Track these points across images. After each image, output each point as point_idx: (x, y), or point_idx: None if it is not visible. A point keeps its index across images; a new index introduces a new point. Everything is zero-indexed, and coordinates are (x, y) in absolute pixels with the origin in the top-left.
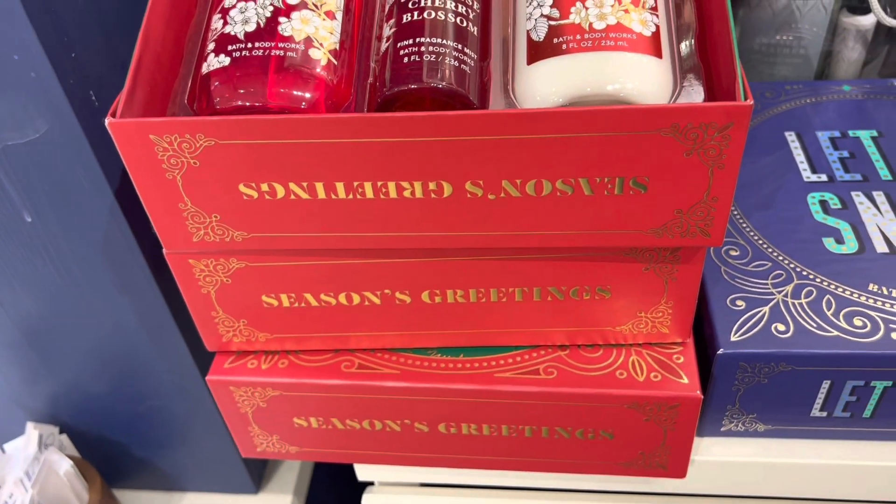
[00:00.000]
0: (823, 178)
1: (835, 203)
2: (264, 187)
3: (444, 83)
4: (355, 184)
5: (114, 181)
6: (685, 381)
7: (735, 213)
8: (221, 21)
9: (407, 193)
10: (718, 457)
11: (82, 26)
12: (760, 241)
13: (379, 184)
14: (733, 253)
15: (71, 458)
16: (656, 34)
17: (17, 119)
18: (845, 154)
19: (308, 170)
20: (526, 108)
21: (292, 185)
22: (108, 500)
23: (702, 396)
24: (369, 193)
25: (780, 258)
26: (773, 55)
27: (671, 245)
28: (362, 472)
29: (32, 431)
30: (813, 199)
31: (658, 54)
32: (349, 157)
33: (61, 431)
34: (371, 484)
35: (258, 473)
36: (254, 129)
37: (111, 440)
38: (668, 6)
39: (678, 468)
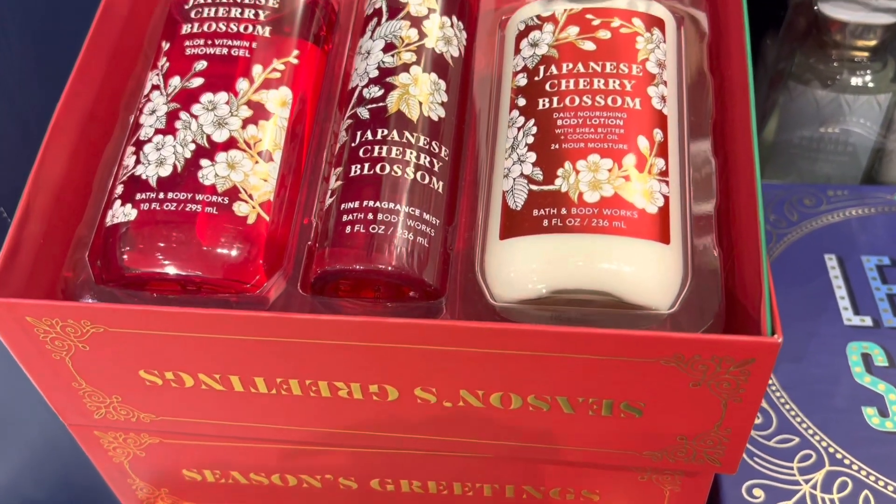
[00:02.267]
0: (868, 322)
1: (881, 359)
2: (169, 375)
3: (392, 266)
4: (278, 380)
5: None
6: None
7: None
8: (134, 157)
9: (343, 394)
10: None
11: None
12: (788, 407)
13: (307, 382)
14: (756, 421)
15: None
16: (664, 210)
17: None
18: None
19: (218, 363)
20: (487, 324)
21: (202, 376)
22: None
23: None
24: (296, 390)
25: (811, 432)
26: (816, 150)
27: (672, 468)
28: None
29: None
30: (854, 352)
31: (665, 238)
32: (266, 355)
33: None
34: None
35: None
36: (148, 321)
37: None
38: (685, 165)
39: None
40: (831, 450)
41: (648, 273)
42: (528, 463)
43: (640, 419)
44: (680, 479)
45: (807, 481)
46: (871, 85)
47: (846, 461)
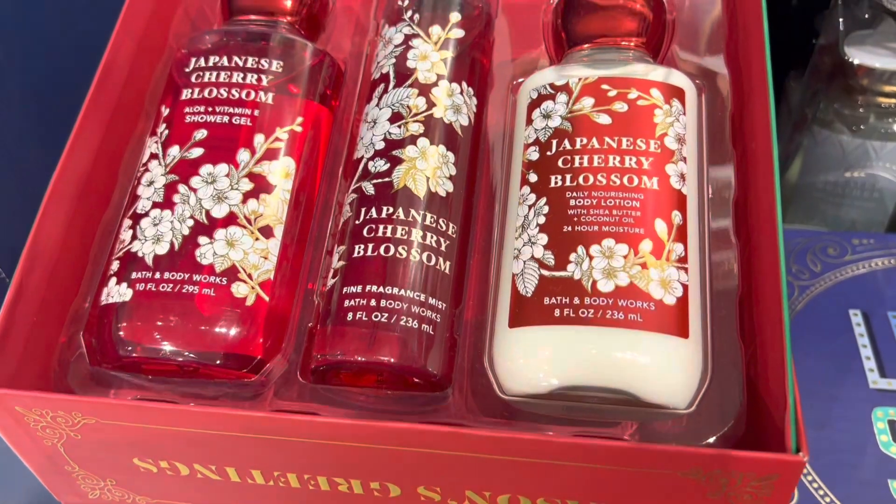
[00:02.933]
0: (895, 385)
1: None
2: (164, 464)
3: (395, 357)
4: (276, 473)
5: None
6: None
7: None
8: (130, 231)
9: (343, 489)
10: None
11: None
12: (811, 479)
13: (306, 476)
14: None
15: None
16: (682, 301)
17: None
18: None
19: (212, 456)
20: (494, 432)
21: (198, 466)
22: None
23: None
24: (294, 483)
25: None
26: (841, 195)
27: None
28: None
29: None
30: (880, 419)
31: (683, 332)
32: (264, 450)
33: None
34: None
35: None
36: (140, 415)
37: None
38: (705, 248)
39: None
40: None
41: (666, 370)
42: None
43: None
44: None
45: None
46: None
47: None
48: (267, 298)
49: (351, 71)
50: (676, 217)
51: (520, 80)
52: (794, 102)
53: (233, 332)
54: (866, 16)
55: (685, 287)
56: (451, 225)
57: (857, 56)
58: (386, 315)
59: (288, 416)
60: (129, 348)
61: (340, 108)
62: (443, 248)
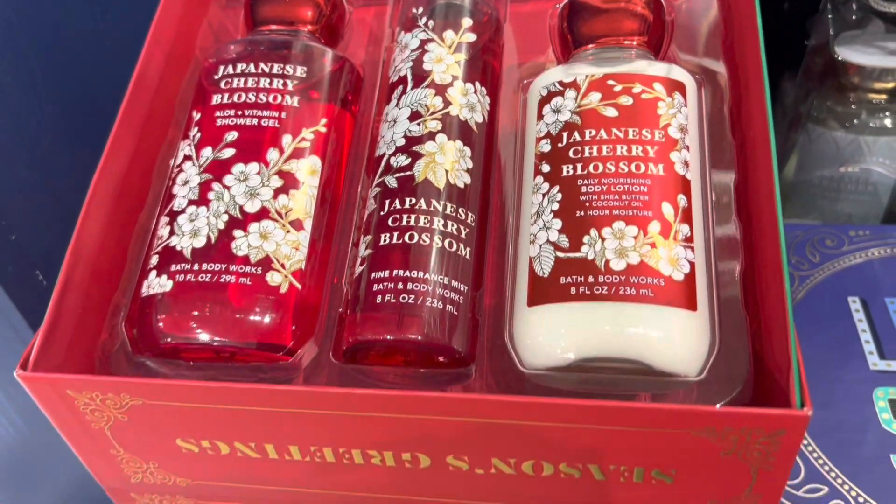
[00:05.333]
0: (894, 367)
1: None
2: (205, 444)
3: (422, 336)
4: (312, 448)
5: None
6: None
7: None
8: (168, 228)
9: (375, 461)
10: None
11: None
12: (816, 455)
13: (341, 450)
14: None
15: None
16: (690, 276)
17: None
18: None
19: (253, 433)
20: (518, 398)
21: (238, 444)
22: None
23: None
24: (329, 458)
25: (840, 481)
26: (836, 190)
27: None
28: None
29: None
30: (881, 398)
31: (691, 305)
32: (301, 425)
33: None
34: None
35: None
36: (184, 394)
37: None
38: (709, 231)
39: None
40: (861, 499)
41: (676, 341)
42: None
43: (671, 486)
44: None
45: None
46: (889, 126)
47: None
48: (299, 286)
49: (368, 77)
50: (682, 200)
51: (528, 80)
52: (789, 102)
53: (267, 318)
54: (854, 17)
55: (692, 264)
56: (469, 214)
57: (847, 55)
58: (412, 297)
59: (325, 389)
60: (170, 335)
61: (360, 112)
62: (463, 235)
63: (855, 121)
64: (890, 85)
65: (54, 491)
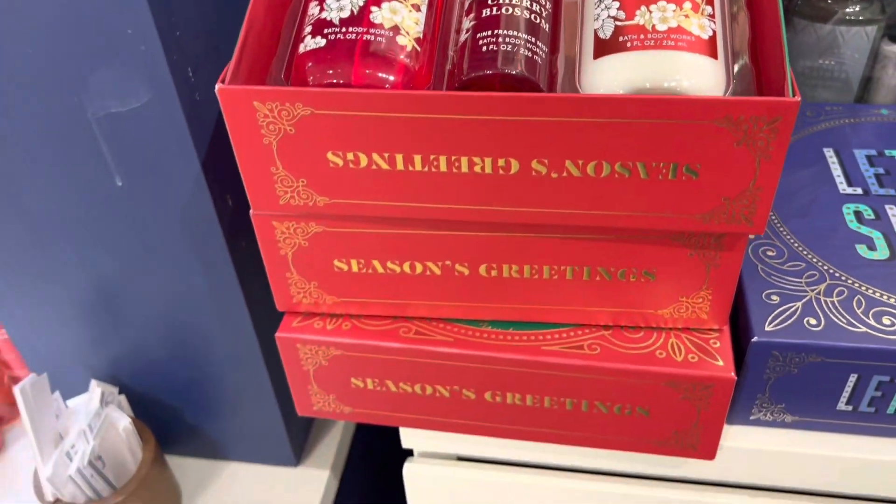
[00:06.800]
0: (859, 191)
1: (868, 214)
2: (349, 156)
3: (517, 70)
4: (431, 157)
5: (201, 153)
6: (721, 363)
7: (773, 218)
8: (318, 7)
9: (477, 168)
10: (745, 444)
11: (186, 10)
12: (796, 245)
13: (453, 158)
14: (770, 253)
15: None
16: (713, 38)
17: (123, 89)
18: (881, 171)
19: (390, 141)
20: (591, 94)
21: (375, 156)
22: (160, 460)
23: (735, 378)
24: (443, 167)
25: (815, 260)
26: (815, 78)
27: (717, 231)
28: (407, 438)
29: (95, 388)
30: (848, 210)
31: (714, 55)
32: (428, 132)
33: (120, 392)
34: (410, 454)
35: (299, 447)
36: (348, 102)
37: (165, 404)
38: (725, 15)
39: (708, 449)
40: (831, 270)
41: (704, 77)
42: (603, 244)
43: (697, 181)
44: (720, 255)
45: (812, 290)
46: (860, 17)
47: (843, 278)
48: (419, 49)
49: None
50: None
51: None
52: None
53: (396, 65)
54: None
55: (714, 31)
56: (547, 1)
57: None
58: (510, 45)
59: (451, 93)
60: (322, 78)
61: None
62: (543, 13)
63: (834, 12)
64: None
65: (150, 307)
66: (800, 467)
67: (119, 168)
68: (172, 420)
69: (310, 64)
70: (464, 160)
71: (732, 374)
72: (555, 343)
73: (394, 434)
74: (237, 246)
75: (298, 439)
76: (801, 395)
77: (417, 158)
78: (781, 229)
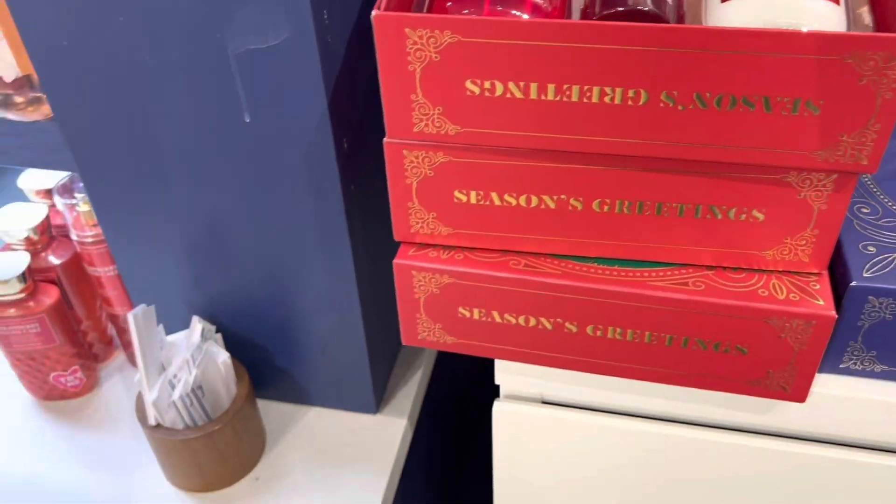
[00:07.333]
0: None
1: None
2: (486, 84)
3: (648, 7)
4: (565, 86)
5: (328, 94)
6: (821, 303)
7: (867, 180)
8: None
9: (608, 99)
10: (834, 390)
11: None
12: (891, 204)
13: (585, 88)
14: (865, 210)
15: None
16: None
17: (263, 25)
18: None
19: (527, 70)
20: (723, 26)
21: (511, 85)
22: (252, 396)
23: (836, 316)
24: (575, 97)
25: None
26: None
27: (832, 168)
28: (501, 373)
29: (197, 324)
30: None
31: (836, 1)
32: (565, 61)
33: (217, 331)
34: (496, 396)
35: (380, 396)
36: (493, 29)
37: (257, 345)
38: None
39: (799, 391)
40: None
41: (826, 20)
42: (716, 181)
43: (817, 117)
44: (828, 196)
45: None
46: None
47: None
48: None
49: None
50: None
51: None
52: None
53: (528, 5)
54: None
55: None
56: None
57: None
58: None
59: (589, 23)
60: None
61: None
62: None
63: None
64: None
65: (255, 246)
66: (888, 417)
67: (249, 104)
68: (262, 363)
69: (448, 4)
70: (595, 90)
71: (833, 312)
72: (659, 279)
73: (465, 390)
74: (347, 189)
75: (379, 388)
76: (893, 343)
77: (551, 87)
78: (875, 190)
